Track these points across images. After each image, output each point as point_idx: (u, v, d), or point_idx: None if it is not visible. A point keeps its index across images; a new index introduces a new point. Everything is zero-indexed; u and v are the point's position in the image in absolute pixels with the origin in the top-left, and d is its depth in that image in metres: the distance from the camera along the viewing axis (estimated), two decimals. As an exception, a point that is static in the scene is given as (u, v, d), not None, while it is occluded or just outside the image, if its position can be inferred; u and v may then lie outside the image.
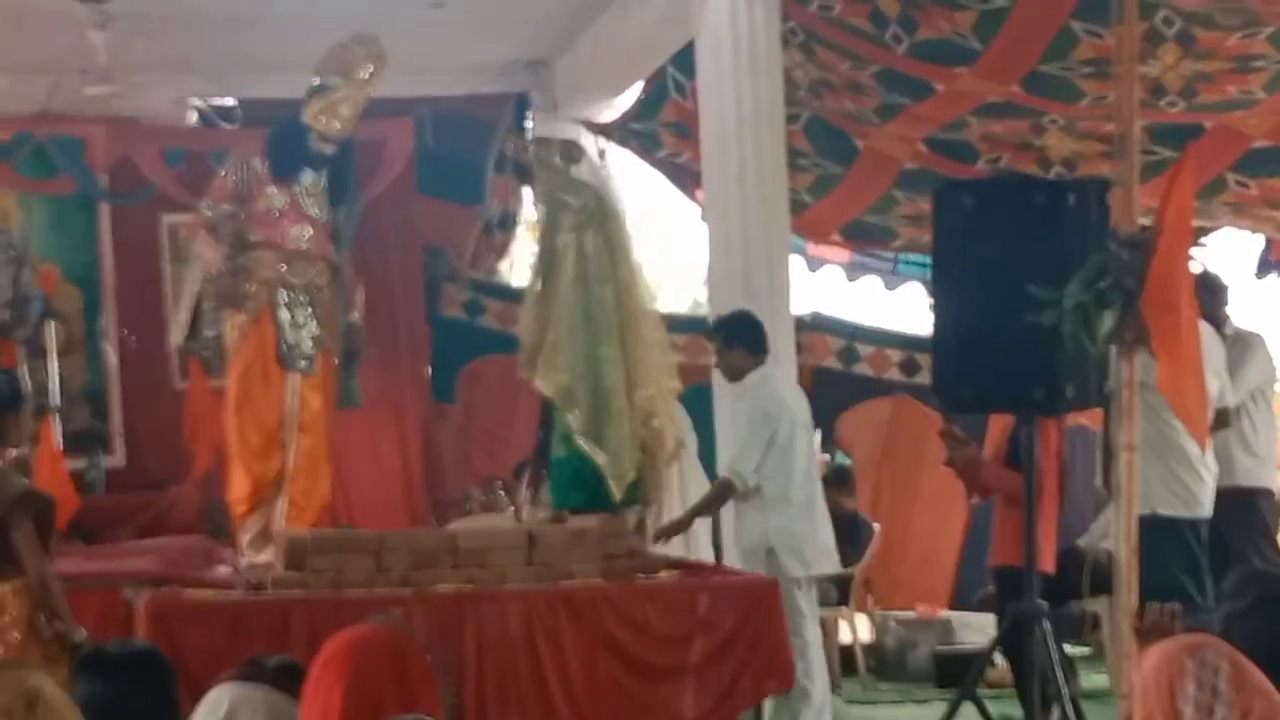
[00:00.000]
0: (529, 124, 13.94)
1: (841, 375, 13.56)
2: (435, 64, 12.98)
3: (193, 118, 13.73)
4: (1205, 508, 8.43)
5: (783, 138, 10.35)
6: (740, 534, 9.19)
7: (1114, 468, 7.34)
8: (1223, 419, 8.83)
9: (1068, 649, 9.61)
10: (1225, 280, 9.62)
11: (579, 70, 13.31)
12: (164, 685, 3.94)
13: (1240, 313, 9.79)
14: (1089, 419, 10.33)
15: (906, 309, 15.72)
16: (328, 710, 3.50)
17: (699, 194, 11.99)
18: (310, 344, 9.01)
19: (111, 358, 12.90)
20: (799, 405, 9.28)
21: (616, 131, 12.81)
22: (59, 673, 5.35)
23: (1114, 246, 6.94)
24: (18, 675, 2.87)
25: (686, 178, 12.95)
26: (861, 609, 11.99)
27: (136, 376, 12.95)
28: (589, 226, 8.50)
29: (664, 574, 8.10)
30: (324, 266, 9.10)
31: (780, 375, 9.42)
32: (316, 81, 9.00)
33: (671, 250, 23.66)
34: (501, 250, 15.02)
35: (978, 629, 11.02)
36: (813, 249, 14.33)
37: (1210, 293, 8.87)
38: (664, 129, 12.59)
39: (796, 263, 12.87)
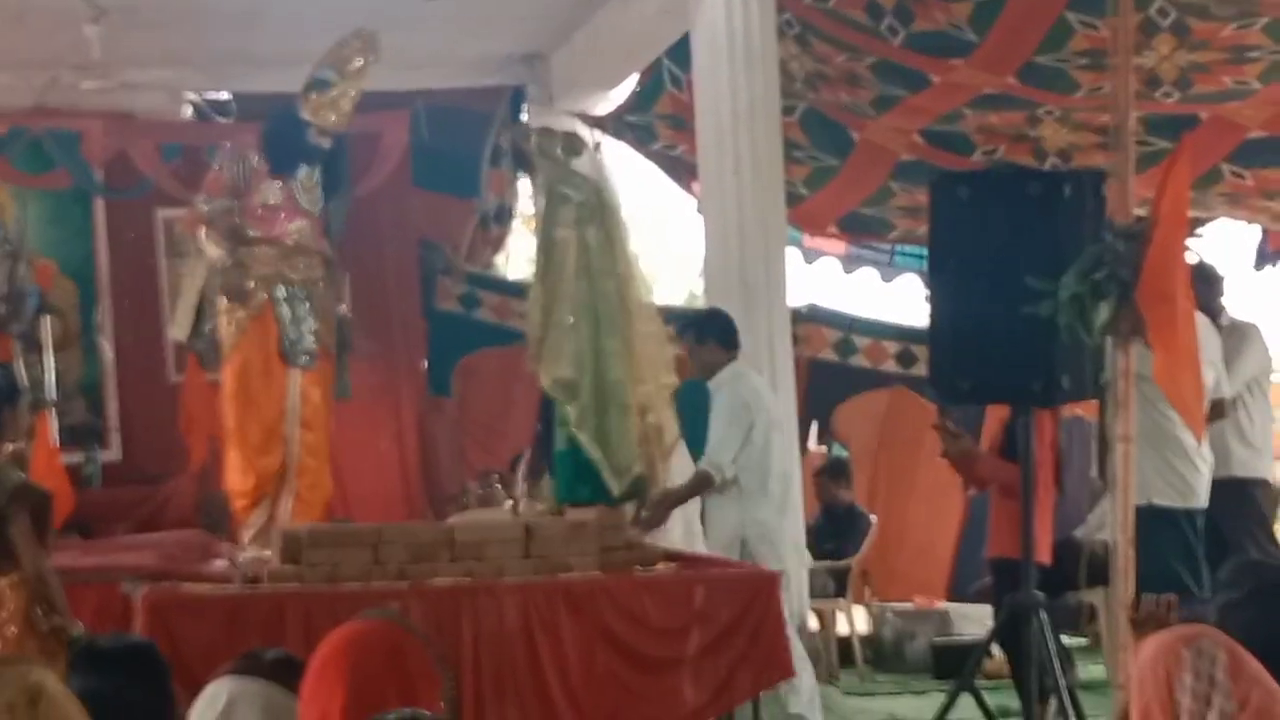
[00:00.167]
0: (524, 117, 13.93)
1: (838, 367, 13.55)
2: (431, 57, 12.97)
3: (188, 112, 13.71)
4: (1201, 498, 8.44)
5: (778, 130, 10.35)
6: (716, 527, 9.19)
7: (1110, 459, 7.35)
8: (1219, 410, 8.83)
9: (1065, 640, 9.63)
10: (1221, 271, 9.63)
11: (575, 63, 13.30)
12: (159, 679, 3.94)
13: (1237, 304, 9.80)
14: (1085, 410, 10.34)
15: (903, 301, 15.73)
16: (329, 711, 3.50)
17: (695, 186, 11.99)
18: (311, 339, 9.02)
19: (107, 352, 12.90)
20: (773, 402, 9.31)
21: (612, 124, 12.81)
22: (56, 667, 5.33)
23: (1109, 237, 6.94)
24: (21, 671, 2.87)
25: (682, 170, 12.95)
26: (859, 601, 11.99)
27: (132, 371, 12.94)
28: (590, 221, 8.50)
29: (662, 566, 8.10)
30: (319, 260, 9.11)
31: (753, 371, 9.44)
32: (315, 78, 9.00)
33: (667, 243, 23.67)
34: (497, 244, 15.02)
35: (975, 620, 11.02)
36: (809, 241, 14.33)
37: (1206, 283, 8.87)
38: (660, 121, 12.59)
39: (793, 255, 12.88)
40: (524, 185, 14.53)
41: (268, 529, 8.66)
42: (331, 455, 9.45)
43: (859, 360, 13.62)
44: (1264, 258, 12.73)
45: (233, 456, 9.03)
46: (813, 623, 10.71)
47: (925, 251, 10.24)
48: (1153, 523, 7.77)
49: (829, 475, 12.13)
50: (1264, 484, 9.58)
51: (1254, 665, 3.99)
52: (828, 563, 11.39)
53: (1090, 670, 10.26)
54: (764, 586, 7.91)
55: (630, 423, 8.47)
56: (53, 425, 11.40)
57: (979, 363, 7.54)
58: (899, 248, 14.32)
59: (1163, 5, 8.94)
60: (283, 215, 8.95)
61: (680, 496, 9.17)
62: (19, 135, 12.58)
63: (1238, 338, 9.37)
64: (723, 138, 10.23)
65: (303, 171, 9.00)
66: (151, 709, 3.92)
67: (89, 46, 11.25)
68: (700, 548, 9.25)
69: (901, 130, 11.38)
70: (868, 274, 14.77)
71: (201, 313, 9.12)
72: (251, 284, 8.87)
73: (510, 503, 10.16)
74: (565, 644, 7.42)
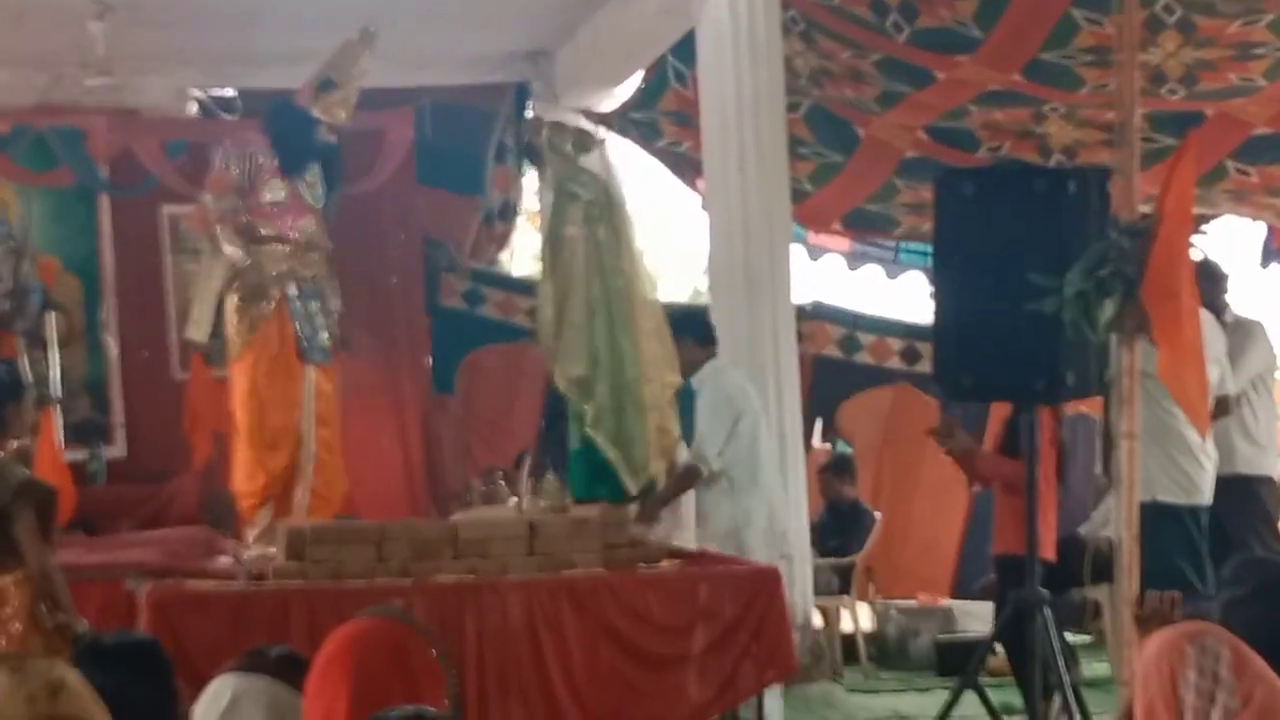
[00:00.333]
0: (529, 114, 13.92)
1: (843, 364, 13.56)
2: (435, 54, 12.97)
3: (193, 109, 13.71)
4: (1205, 495, 8.44)
5: (783, 126, 10.34)
6: (710, 522, 9.20)
7: (1114, 456, 7.35)
8: (1223, 407, 8.83)
9: (1069, 637, 9.62)
10: (1225, 268, 9.62)
11: (579, 60, 13.29)
12: (163, 676, 3.94)
13: (1242, 301, 9.79)
14: (1090, 407, 10.33)
15: (908, 298, 15.73)
16: (333, 709, 3.50)
17: (699, 183, 11.99)
18: (325, 335, 9.03)
19: (112, 349, 12.90)
20: (757, 397, 9.33)
21: (616, 121, 12.81)
22: (60, 664, 5.34)
23: (1115, 234, 6.93)
24: (45, 665, 2.92)
25: (687, 167, 12.95)
26: (863, 597, 11.98)
27: (137, 367, 12.94)
28: (600, 220, 8.49)
29: (665, 563, 8.10)
30: (323, 257, 9.11)
31: (734, 367, 9.45)
32: (323, 79, 9.02)
33: (672, 240, 23.68)
34: (502, 240, 15.00)
35: (979, 617, 11.01)
36: (814, 238, 14.32)
37: (1210, 280, 8.87)
38: (664, 118, 12.59)
39: (798, 252, 12.87)
40: (529, 182, 14.53)
41: (273, 526, 8.66)
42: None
43: (863, 357, 13.63)
44: (1269, 254, 12.73)
45: (243, 455, 9.03)
46: (817, 620, 10.71)
47: (930, 248, 10.22)
48: (1157, 519, 7.76)
49: (833, 472, 12.13)
50: (1269, 481, 9.57)
51: (1258, 662, 4.00)
52: (832, 560, 11.39)
53: (1095, 667, 10.25)
54: (767, 583, 7.92)
55: (646, 421, 8.48)
56: (58, 422, 11.41)
57: (983, 359, 7.53)
58: (904, 245, 14.31)
59: (1168, 2, 8.94)
60: (290, 213, 8.96)
61: (669, 493, 9.16)
62: (23, 133, 12.57)
63: (1242, 335, 9.37)
64: (727, 134, 10.23)
65: (308, 168, 9.01)
66: (156, 706, 3.91)
67: (93, 43, 11.24)
68: (688, 541, 9.24)
69: (906, 127, 11.37)
70: (872, 271, 14.76)
71: (219, 313, 9.11)
72: (269, 282, 8.89)
73: (514, 500, 10.16)
74: (569, 641, 7.42)
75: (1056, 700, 7.82)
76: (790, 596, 8.55)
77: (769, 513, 9.25)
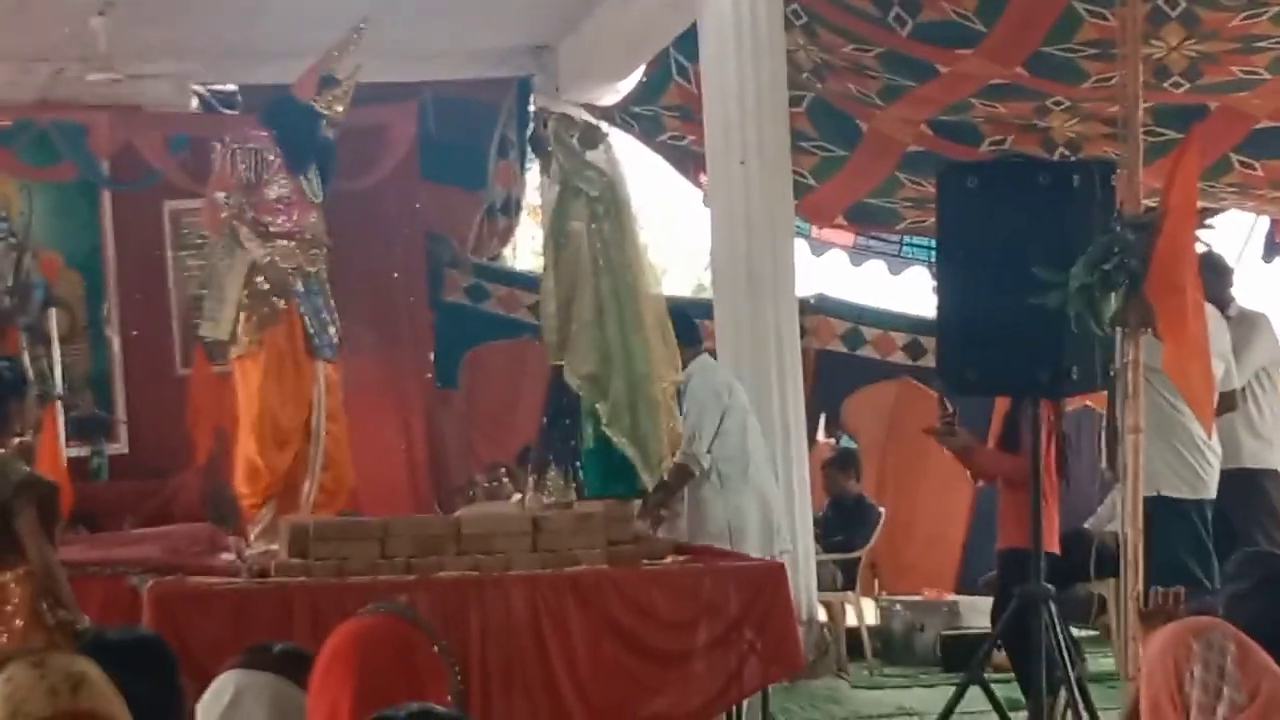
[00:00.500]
0: (531, 109, 13.91)
1: (846, 358, 13.55)
2: (438, 49, 12.97)
3: (194, 104, 13.70)
4: (1211, 489, 8.42)
5: (786, 120, 10.34)
6: (702, 519, 9.17)
7: (1119, 450, 7.33)
8: (1228, 402, 8.80)
9: (1074, 632, 9.60)
10: (1230, 262, 9.60)
11: (582, 54, 13.28)
12: (166, 672, 3.92)
13: (1246, 295, 9.77)
14: (1094, 401, 10.32)
15: (911, 292, 15.70)
16: (338, 706, 3.49)
17: (702, 178, 11.98)
18: (332, 330, 9.02)
19: (114, 344, 12.90)
20: (744, 393, 9.33)
21: (619, 115, 12.80)
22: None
23: (1119, 228, 6.93)
24: (66, 660, 2.92)
25: (689, 161, 12.95)
26: (867, 593, 11.98)
27: (140, 363, 12.94)
28: (605, 217, 8.47)
29: (669, 559, 8.09)
30: (324, 252, 9.10)
31: (719, 364, 9.43)
32: (324, 76, 9.01)
33: (675, 235, 23.67)
34: (504, 235, 15.00)
35: (984, 612, 10.93)
36: (817, 233, 14.31)
37: (1215, 274, 8.83)
38: (667, 112, 12.59)
39: (801, 247, 12.85)
40: (531, 177, 14.53)
41: (276, 522, 8.64)
42: (345, 447, 9.46)
43: (867, 351, 13.62)
44: (1273, 248, 12.72)
45: (248, 452, 8.98)
46: (821, 615, 10.70)
47: (933, 243, 10.21)
48: (1163, 514, 7.75)
49: (837, 467, 12.12)
50: (1274, 475, 9.53)
51: (1262, 656, 3.99)
52: (836, 555, 11.38)
53: (1100, 662, 10.24)
54: (772, 578, 7.90)
55: (659, 416, 8.45)
56: (60, 418, 11.41)
57: (988, 354, 7.52)
58: (907, 239, 14.30)
59: (1172, -5, 8.93)
60: (295, 209, 8.94)
61: (665, 493, 9.12)
62: (25, 128, 12.58)
63: (1247, 328, 9.33)
64: (730, 128, 10.23)
65: (312, 164, 9.01)
66: (159, 702, 3.90)
67: (95, 39, 11.25)
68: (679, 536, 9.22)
69: (909, 121, 11.37)
70: (876, 266, 14.74)
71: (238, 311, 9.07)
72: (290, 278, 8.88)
73: (517, 495, 10.14)
74: (573, 636, 7.41)
75: (1062, 695, 7.80)
76: (794, 592, 8.55)
77: (762, 508, 9.23)
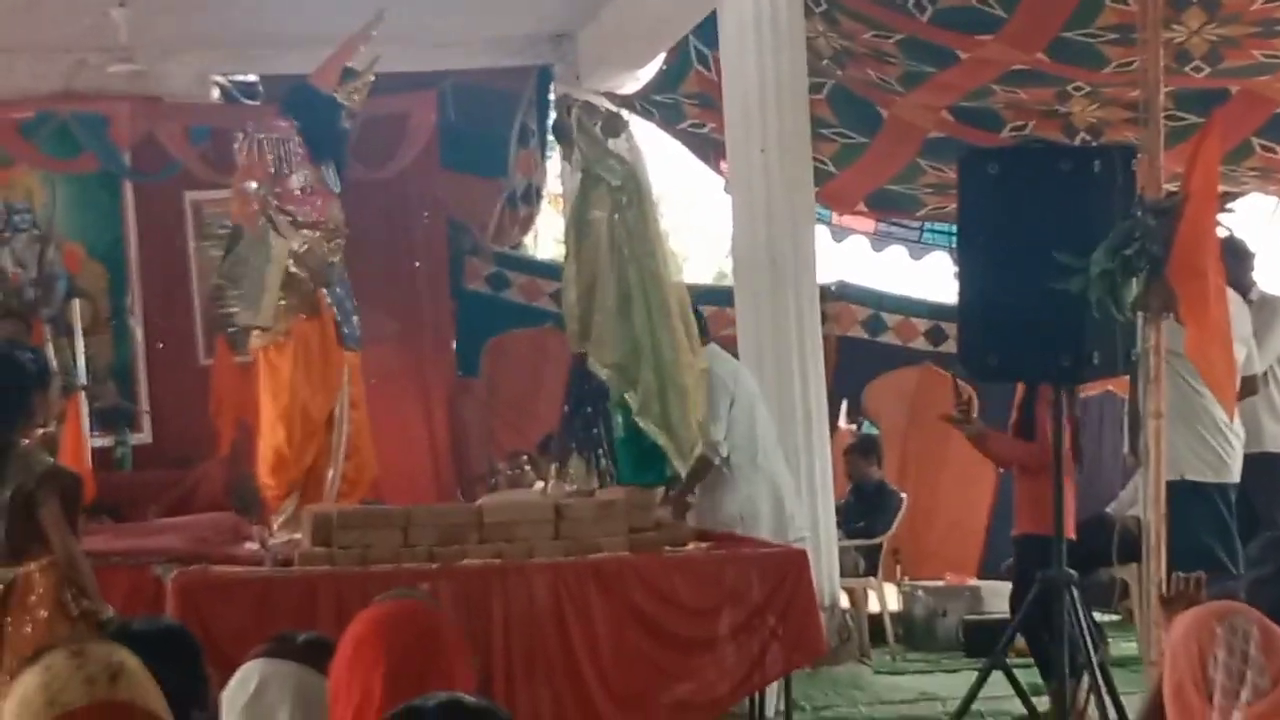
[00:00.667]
0: (551, 97, 13.92)
1: (868, 344, 13.56)
2: (458, 37, 12.99)
3: (215, 95, 13.72)
4: (1234, 473, 8.41)
5: (806, 107, 10.34)
6: (713, 508, 9.16)
7: (1141, 435, 7.33)
8: (1250, 386, 8.79)
9: (1097, 616, 9.60)
10: (1251, 246, 9.58)
11: (602, 42, 13.29)
12: (191, 662, 3.93)
13: (1268, 279, 9.75)
14: (1116, 386, 10.31)
15: (932, 278, 15.69)
16: (369, 692, 3.49)
17: (723, 165, 11.98)
18: (356, 319, 9.02)
19: (137, 335, 12.93)
20: (752, 380, 9.33)
21: (639, 103, 12.80)
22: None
23: (1140, 213, 6.92)
24: (105, 649, 2.91)
25: (710, 149, 12.94)
26: (890, 578, 11.98)
27: (162, 354, 12.97)
28: (628, 206, 8.45)
29: (692, 546, 8.09)
30: (342, 242, 9.11)
31: (728, 354, 9.44)
32: (348, 66, 9.03)
33: (695, 222, 23.66)
34: (525, 223, 15.02)
35: (1006, 598, 10.98)
36: (838, 220, 14.31)
37: (1236, 258, 8.82)
38: (687, 100, 12.58)
39: (822, 233, 12.85)
40: (552, 165, 14.54)
41: (299, 512, 8.65)
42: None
43: (889, 338, 13.63)
44: (1295, 232, 12.68)
45: (276, 442, 8.95)
46: (843, 601, 10.70)
47: (954, 229, 10.19)
48: (1185, 498, 7.75)
49: (859, 453, 12.11)
50: (1297, 459, 9.54)
51: (1286, 640, 3.99)
52: (858, 541, 11.38)
53: (1122, 647, 10.24)
54: (794, 564, 7.90)
55: (689, 403, 8.42)
56: (84, 409, 11.45)
57: (1009, 339, 7.51)
58: (928, 225, 14.29)
59: (1192, -21, 8.91)
60: (318, 198, 8.95)
61: (687, 485, 9.12)
62: (47, 120, 12.61)
63: (1269, 312, 9.32)
64: (750, 116, 10.22)
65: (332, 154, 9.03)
66: (184, 691, 3.91)
67: (116, 30, 11.27)
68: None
69: (930, 107, 11.35)
70: (897, 252, 14.73)
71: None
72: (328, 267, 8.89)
73: (540, 483, 10.15)
74: (596, 624, 7.42)
75: (1085, 680, 7.80)
76: (816, 578, 8.55)
77: (773, 496, 9.21)
